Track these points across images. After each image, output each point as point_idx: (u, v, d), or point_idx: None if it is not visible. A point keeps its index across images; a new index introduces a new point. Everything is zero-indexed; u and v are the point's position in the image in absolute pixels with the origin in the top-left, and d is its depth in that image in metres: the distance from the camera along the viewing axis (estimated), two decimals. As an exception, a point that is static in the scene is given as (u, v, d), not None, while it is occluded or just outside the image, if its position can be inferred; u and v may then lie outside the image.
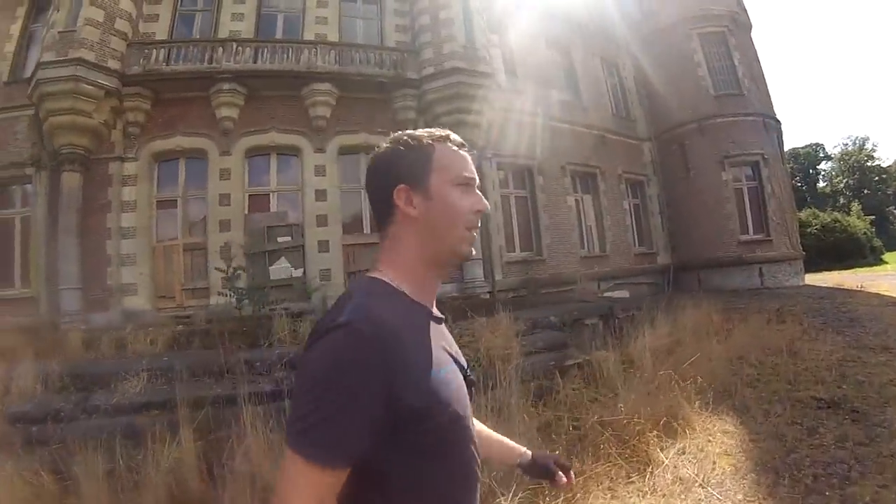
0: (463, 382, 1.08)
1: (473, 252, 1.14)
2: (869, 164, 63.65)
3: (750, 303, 13.36)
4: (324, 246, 12.25)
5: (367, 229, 12.91)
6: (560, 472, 1.43)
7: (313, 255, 12.10)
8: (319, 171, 12.58)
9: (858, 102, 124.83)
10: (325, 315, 1.02)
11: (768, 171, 18.57)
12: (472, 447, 1.08)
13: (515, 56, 16.79)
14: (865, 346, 7.21)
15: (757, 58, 20.49)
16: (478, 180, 1.16)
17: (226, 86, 11.83)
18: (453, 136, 1.18)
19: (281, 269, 11.87)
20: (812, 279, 20.51)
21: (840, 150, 66.88)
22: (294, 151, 12.65)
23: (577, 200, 17.68)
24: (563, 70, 18.71)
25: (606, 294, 16.39)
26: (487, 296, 13.00)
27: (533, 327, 8.41)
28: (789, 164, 66.99)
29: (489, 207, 1.22)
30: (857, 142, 66.04)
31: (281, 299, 9.93)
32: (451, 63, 12.93)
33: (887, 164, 65.35)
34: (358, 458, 0.90)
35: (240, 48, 12.17)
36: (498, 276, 13.96)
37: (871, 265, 31.69)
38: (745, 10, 21.22)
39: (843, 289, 16.16)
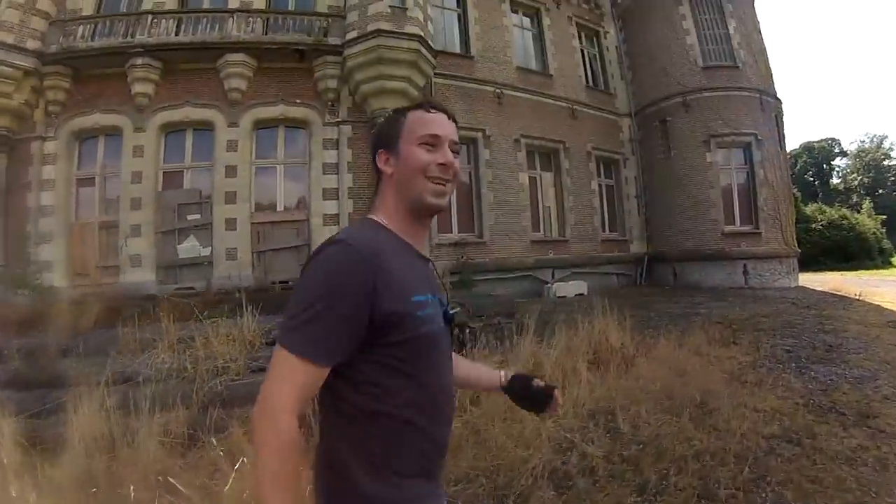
0: (440, 315, 1.13)
1: (444, 201, 1.18)
2: (886, 162, 58.43)
3: (713, 308, 10.33)
4: (231, 224, 11.10)
5: (280, 206, 11.72)
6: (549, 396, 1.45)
7: (220, 234, 11.03)
8: (231, 146, 11.38)
9: (880, 100, 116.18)
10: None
11: (761, 155, 15.27)
12: (443, 380, 1.13)
13: (471, 18, 14.47)
14: (832, 406, 4.25)
15: (758, 29, 16.95)
16: (450, 137, 1.20)
17: (139, 60, 10.94)
18: (431, 102, 1.25)
19: (189, 247, 11.07)
20: (809, 280, 17.29)
21: (857, 146, 61.49)
22: (209, 126, 11.48)
23: (533, 178, 14.90)
24: (530, 35, 16.18)
25: (559, 284, 13.53)
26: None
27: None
28: (802, 157, 62.75)
29: (451, 159, 1.19)
30: (874, 139, 60.65)
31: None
32: (374, 25, 10.98)
33: (905, 165, 60.25)
34: (339, 358, 0.97)
35: (157, 21, 11.21)
36: None
37: (878, 267, 27.91)
38: (746, -30, 17.67)
39: (839, 295, 12.99)
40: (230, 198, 11.13)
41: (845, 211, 31.38)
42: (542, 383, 1.46)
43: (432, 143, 1.16)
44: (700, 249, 15.08)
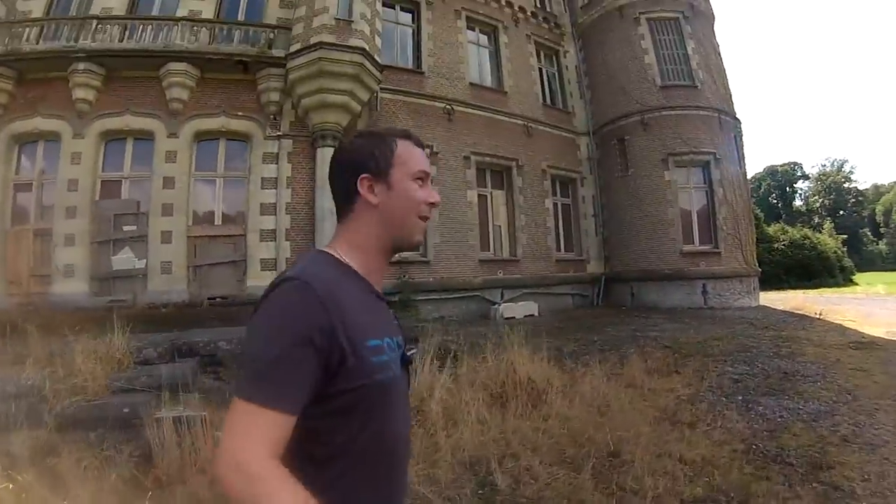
0: (397, 360, 1.02)
1: (421, 240, 1.14)
2: (846, 185, 59.48)
3: (667, 331, 9.54)
4: (167, 237, 10.57)
5: (218, 220, 11.09)
6: None
7: (156, 247, 10.49)
8: (170, 157, 10.83)
9: (840, 125, 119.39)
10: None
11: (720, 174, 14.77)
12: (399, 427, 1.03)
13: (424, 34, 13.93)
14: (778, 454, 3.34)
15: (717, 50, 16.65)
16: (430, 173, 1.14)
17: (81, 66, 10.40)
18: (413, 134, 1.15)
19: (124, 259, 10.51)
20: (770, 299, 16.76)
21: (818, 170, 62.55)
22: (149, 136, 10.91)
23: (483, 196, 14.19)
24: (487, 52, 15.67)
25: (507, 304, 12.70)
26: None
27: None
28: (766, 180, 63.56)
29: (439, 199, 1.17)
30: (835, 163, 61.83)
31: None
32: (317, 37, 10.52)
33: (864, 187, 61.43)
34: (303, 405, 0.86)
35: (102, 26, 10.66)
36: None
37: (839, 286, 27.68)
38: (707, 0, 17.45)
39: (800, 314, 12.38)
40: (167, 210, 10.55)
41: (807, 231, 31.24)
42: None
43: (423, 178, 1.10)
44: (658, 269, 14.40)
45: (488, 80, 15.30)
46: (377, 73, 11.20)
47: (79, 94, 10.48)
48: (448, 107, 13.60)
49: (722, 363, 6.45)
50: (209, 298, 10.27)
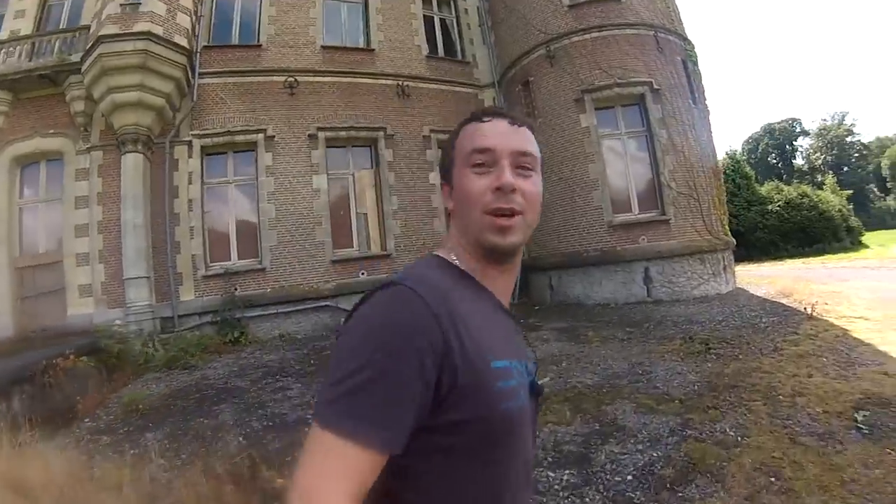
0: (525, 387, 0.73)
1: (511, 240, 0.74)
2: (849, 139, 52.45)
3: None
4: None
5: (41, 248, 9.25)
6: None
7: None
8: None
9: (839, 79, 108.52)
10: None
11: (662, 111, 9.87)
12: (522, 471, 0.73)
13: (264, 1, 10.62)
14: None
15: (651, -48, 11.68)
16: (511, 147, 0.76)
17: None
18: (487, 108, 0.86)
19: None
20: (755, 276, 12.01)
21: (818, 125, 55.31)
22: None
23: (340, 178, 10.35)
24: (359, 8, 11.67)
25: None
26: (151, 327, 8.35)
27: None
28: (764, 139, 56.11)
29: (509, 179, 0.73)
30: (836, 117, 54.59)
31: None
32: (100, 31, 8.45)
33: (868, 140, 54.26)
34: (401, 441, 0.60)
35: None
36: (189, 297, 8.86)
37: (846, 249, 22.04)
38: None
39: (785, 306, 7.55)
40: (-11, 241, 8.73)
41: (805, 188, 25.24)
42: None
43: (483, 161, 0.76)
44: (581, 251, 9.62)
45: (352, 40, 11.18)
46: (178, 58, 8.89)
47: None
48: (291, 79, 10.01)
49: None
50: (34, 331, 8.33)
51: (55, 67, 8.92)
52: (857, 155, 52.19)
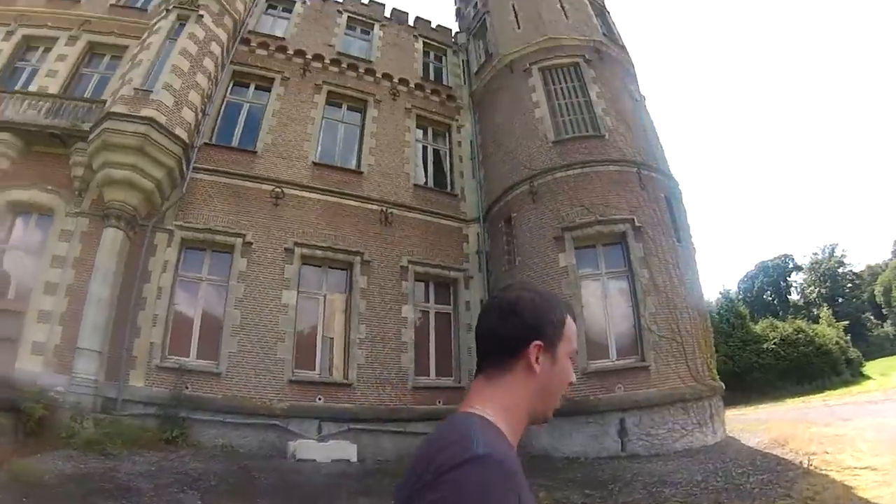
0: None
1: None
2: (840, 270, 52.73)
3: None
4: None
5: (11, 294, 9.00)
6: None
7: None
8: None
9: (826, 210, 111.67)
10: (429, 450, 0.73)
11: (644, 249, 9.71)
12: None
13: (269, 111, 11.38)
14: None
15: (633, 96, 12.30)
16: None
17: None
18: (570, 304, 1.00)
19: None
20: (748, 422, 11.16)
21: (810, 259, 55.96)
22: None
23: (312, 299, 10.05)
24: (356, 130, 12.35)
25: (306, 443, 8.54)
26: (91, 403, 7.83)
27: None
28: (759, 277, 56.44)
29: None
30: (826, 249, 55.42)
31: None
32: (111, 108, 9.14)
33: (860, 269, 54.54)
34: None
35: None
36: (138, 383, 8.44)
37: (847, 383, 21.01)
38: (618, 43, 13.40)
39: (778, 459, 6.83)
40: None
41: (800, 322, 24.77)
42: None
43: (574, 358, 0.94)
44: (556, 395, 8.94)
45: (343, 160, 11.63)
46: (174, 149, 9.27)
47: None
48: (277, 189, 10.21)
49: None
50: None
51: (67, 130, 9.55)
52: (850, 285, 52.05)
